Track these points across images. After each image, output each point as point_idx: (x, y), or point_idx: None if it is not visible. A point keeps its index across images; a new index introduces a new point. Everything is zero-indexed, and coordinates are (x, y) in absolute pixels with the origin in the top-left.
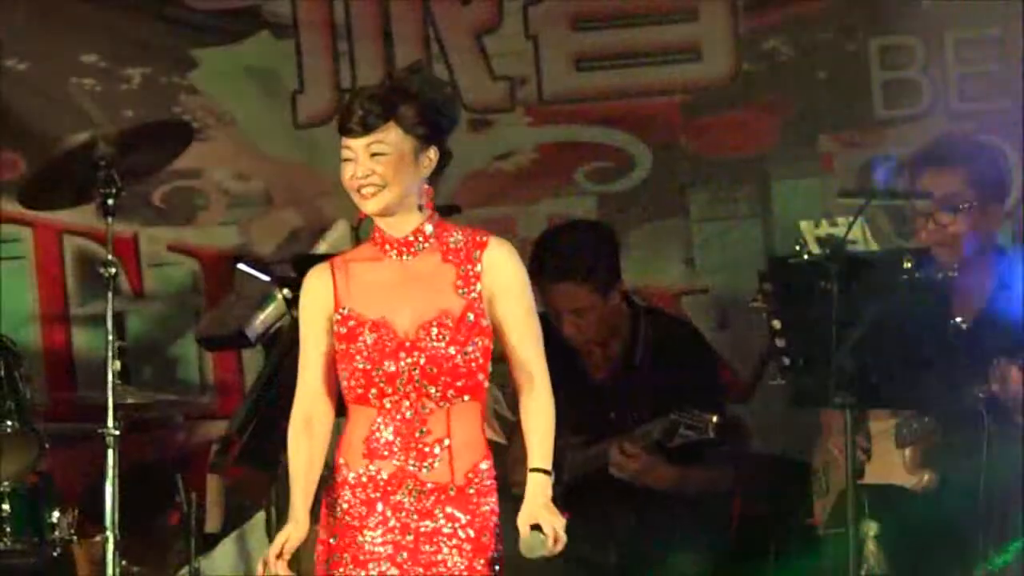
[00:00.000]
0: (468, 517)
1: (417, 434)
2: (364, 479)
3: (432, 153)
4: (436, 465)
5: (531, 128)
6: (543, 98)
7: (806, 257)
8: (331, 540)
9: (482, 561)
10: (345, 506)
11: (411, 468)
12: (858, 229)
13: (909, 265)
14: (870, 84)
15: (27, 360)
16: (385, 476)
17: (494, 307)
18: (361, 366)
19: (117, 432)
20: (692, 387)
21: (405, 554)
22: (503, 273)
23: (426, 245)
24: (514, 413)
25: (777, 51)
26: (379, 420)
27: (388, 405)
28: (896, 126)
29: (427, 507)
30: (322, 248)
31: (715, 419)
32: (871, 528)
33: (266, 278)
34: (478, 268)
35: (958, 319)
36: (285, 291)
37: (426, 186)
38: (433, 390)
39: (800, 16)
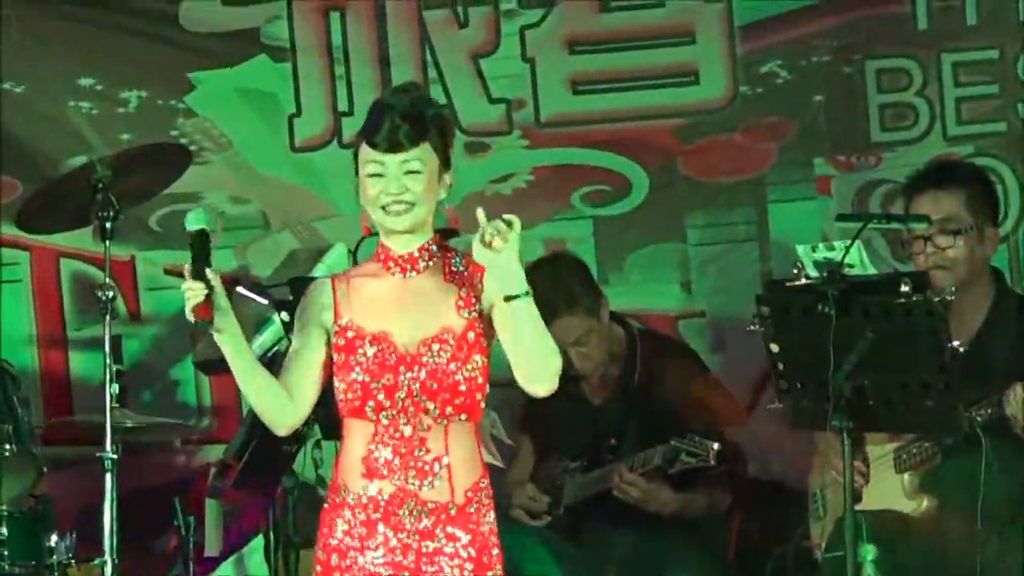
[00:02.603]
0: (469, 536)
1: (417, 452)
2: (364, 499)
3: (448, 177)
4: (436, 484)
5: (528, 151)
6: (540, 121)
7: (803, 280)
8: (331, 561)
9: None
10: (345, 527)
11: (411, 487)
12: (855, 253)
13: (906, 288)
14: (867, 107)
15: (24, 383)
16: (386, 496)
17: (493, 310)
18: (360, 378)
19: (115, 456)
20: (690, 411)
21: (406, 574)
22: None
23: (430, 264)
24: (510, 437)
25: (774, 74)
26: (377, 438)
27: (385, 421)
28: (893, 149)
29: (428, 527)
30: (320, 271)
31: (716, 446)
32: (869, 552)
33: (264, 301)
34: (479, 289)
35: (956, 343)
36: (283, 314)
37: (451, 209)
38: (432, 406)
39: (797, 39)
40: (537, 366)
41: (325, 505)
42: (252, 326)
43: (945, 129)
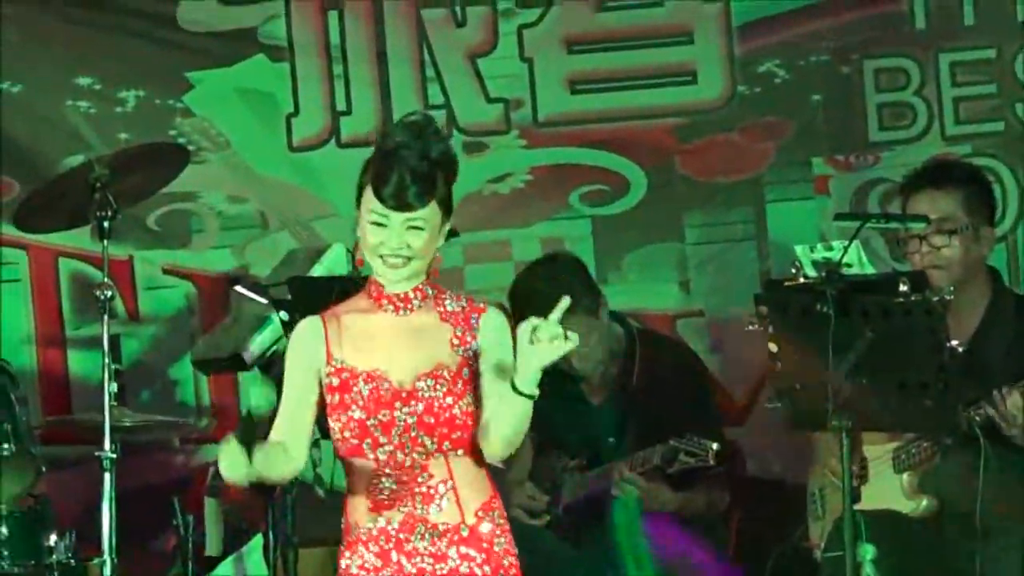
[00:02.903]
0: (483, 556)
1: (420, 479)
2: (375, 532)
3: (448, 223)
4: (444, 505)
5: (525, 151)
6: (538, 121)
7: (802, 280)
8: None
9: None
10: (360, 562)
11: (419, 512)
12: (854, 253)
13: (905, 288)
14: (865, 107)
15: (23, 382)
16: (396, 525)
17: (479, 360)
18: (357, 415)
19: (114, 455)
20: (688, 410)
21: None
22: (497, 332)
23: (424, 304)
24: None
25: (772, 74)
26: (378, 472)
27: (383, 457)
28: (891, 148)
29: (442, 550)
30: (318, 271)
31: (715, 446)
32: (868, 552)
33: (263, 301)
34: (475, 329)
35: (954, 342)
36: (281, 314)
37: (437, 254)
38: (429, 441)
39: (795, 39)
40: (500, 447)
41: (340, 547)
42: (251, 326)
43: (943, 129)
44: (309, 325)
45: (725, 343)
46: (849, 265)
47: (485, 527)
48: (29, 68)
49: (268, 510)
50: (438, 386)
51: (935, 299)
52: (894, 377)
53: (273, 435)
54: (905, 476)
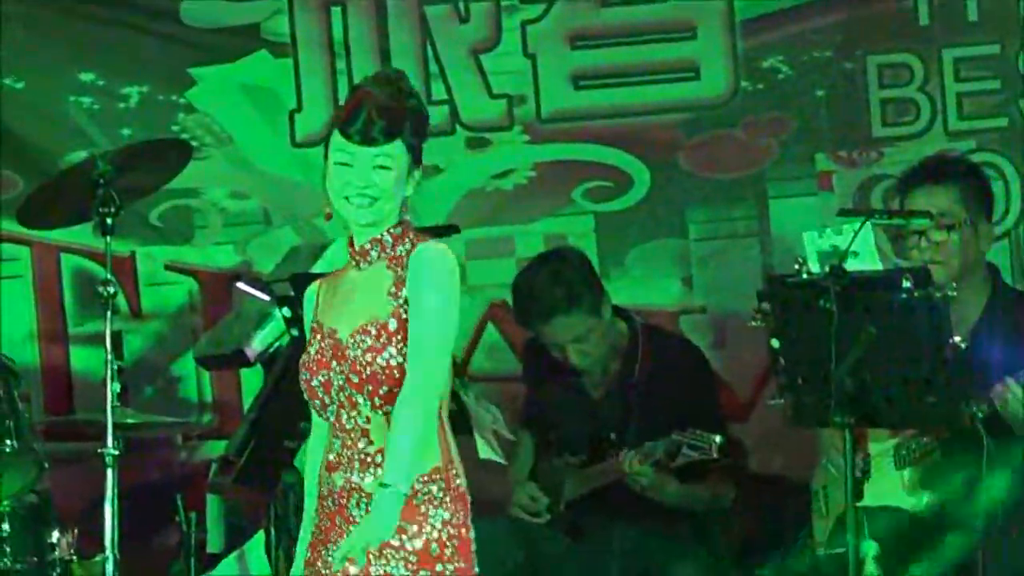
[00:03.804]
0: (415, 527)
1: (360, 444)
2: (325, 491)
3: (418, 174)
4: (379, 474)
5: (529, 147)
6: (541, 117)
7: (805, 276)
8: (307, 554)
9: (425, 574)
10: (318, 519)
11: (356, 480)
12: (863, 240)
13: (908, 284)
14: (868, 102)
15: (26, 379)
16: (337, 488)
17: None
18: (304, 376)
19: (116, 452)
20: (691, 405)
21: (356, 569)
22: (418, 275)
23: (382, 255)
24: (511, 432)
25: (775, 69)
26: (333, 432)
27: (331, 417)
28: (894, 144)
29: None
30: (320, 266)
31: (718, 439)
32: (871, 549)
33: (265, 297)
34: (402, 275)
35: (956, 338)
36: (284, 310)
37: (406, 204)
38: (362, 400)
39: (798, 35)
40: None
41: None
42: (253, 322)
43: (946, 124)
44: (308, 291)
45: (728, 339)
46: (856, 253)
47: (421, 499)
48: (32, 64)
49: (270, 507)
50: (364, 340)
51: (938, 295)
52: (897, 373)
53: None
54: (906, 472)
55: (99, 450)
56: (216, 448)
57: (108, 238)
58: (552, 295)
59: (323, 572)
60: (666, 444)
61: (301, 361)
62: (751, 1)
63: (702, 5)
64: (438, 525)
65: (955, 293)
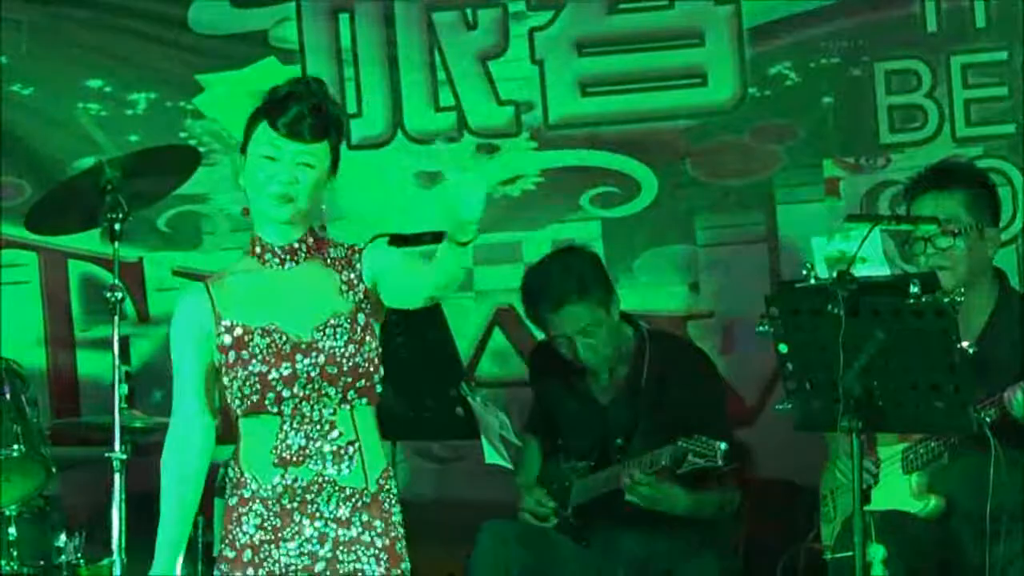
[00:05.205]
0: (383, 525)
1: (329, 436)
2: (280, 488)
3: (332, 181)
4: (352, 468)
5: (536, 153)
6: (548, 123)
7: (813, 282)
8: (243, 557)
9: (397, 572)
10: (257, 520)
11: (329, 473)
12: (871, 246)
13: (916, 289)
14: (876, 109)
15: (33, 384)
16: (303, 482)
17: (371, 297)
18: (257, 369)
19: (124, 456)
20: (699, 410)
21: (323, 564)
22: (379, 260)
23: (310, 255)
24: (518, 437)
25: (783, 76)
26: (284, 426)
27: (288, 410)
28: (902, 150)
29: (346, 515)
30: None
31: (723, 446)
32: (878, 553)
33: None
34: (359, 270)
35: (964, 343)
36: None
37: (323, 207)
38: (332, 391)
39: (806, 41)
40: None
41: (229, 503)
42: None
43: (954, 131)
44: (193, 292)
45: (735, 345)
46: (864, 260)
47: (384, 496)
48: (39, 70)
49: None
50: (338, 335)
51: (945, 300)
52: (905, 378)
53: (179, 417)
54: (914, 476)
55: (107, 454)
56: (222, 452)
57: (116, 244)
58: (563, 284)
59: (276, 572)
60: (672, 451)
61: (232, 358)
62: (759, 8)
63: (710, 12)
64: (397, 523)
65: (962, 298)
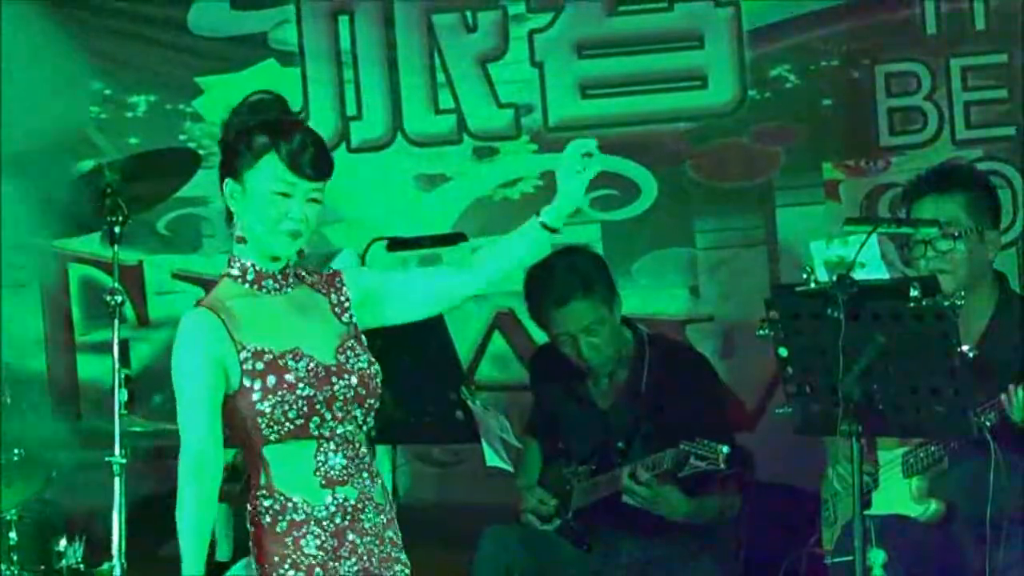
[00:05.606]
0: (400, 540)
1: (360, 454)
2: (332, 508)
3: None
4: (377, 485)
5: (536, 155)
6: (548, 125)
7: (813, 285)
8: (298, 575)
9: None
10: (317, 541)
11: (367, 490)
12: (868, 251)
13: (916, 293)
14: (875, 111)
15: (33, 387)
16: (352, 501)
17: (370, 292)
18: (306, 392)
19: (124, 460)
20: (698, 414)
21: None
22: (356, 268)
23: (293, 280)
24: (519, 441)
25: (783, 78)
26: (323, 449)
27: (327, 433)
28: (902, 153)
29: (380, 531)
30: None
31: (726, 449)
32: (879, 557)
33: None
34: (345, 293)
35: (964, 347)
36: None
37: None
38: (359, 412)
39: (805, 43)
40: (481, 280)
41: (276, 531)
42: None
43: (954, 133)
44: (203, 317)
45: (735, 348)
46: (863, 265)
47: (393, 512)
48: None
49: None
50: (359, 356)
51: (945, 303)
52: (905, 382)
53: (196, 444)
54: (914, 480)
55: (107, 458)
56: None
57: (116, 247)
58: (568, 281)
59: None
60: (673, 454)
61: (272, 383)
62: (758, 10)
63: (709, 14)
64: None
65: (963, 302)
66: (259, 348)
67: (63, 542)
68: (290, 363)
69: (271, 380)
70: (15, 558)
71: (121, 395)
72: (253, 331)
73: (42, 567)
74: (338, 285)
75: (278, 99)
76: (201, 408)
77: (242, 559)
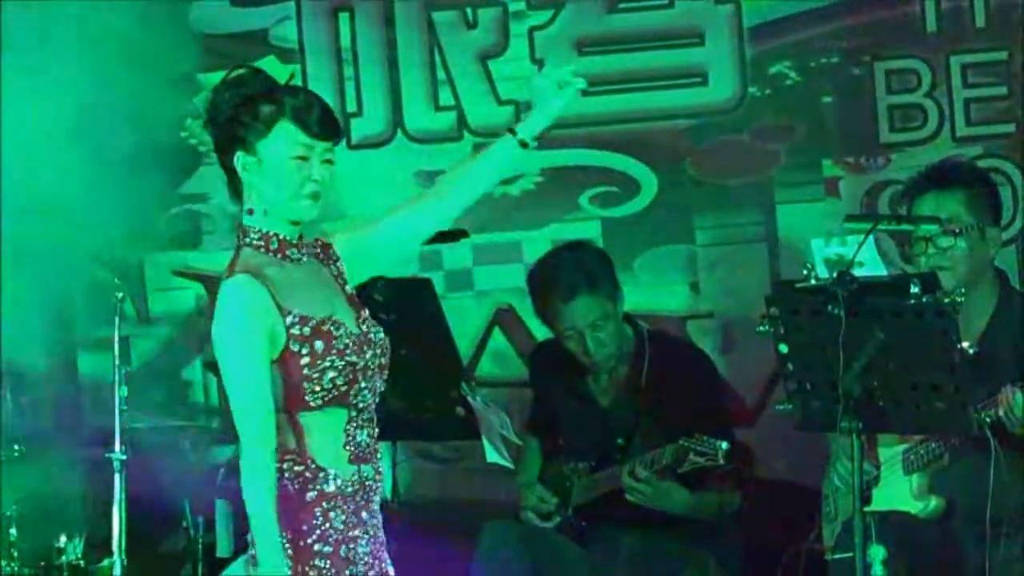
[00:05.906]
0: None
1: (375, 432)
2: (356, 484)
3: None
4: (382, 467)
5: (536, 152)
6: None
7: (813, 282)
8: (339, 553)
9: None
10: (343, 516)
11: (378, 471)
12: (867, 250)
13: (916, 290)
14: (876, 108)
15: (34, 384)
16: (370, 481)
17: (356, 253)
18: (353, 359)
19: (124, 456)
20: (698, 411)
21: (378, 563)
22: (350, 240)
23: (307, 249)
24: (518, 437)
25: (783, 75)
26: (353, 422)
27: (360, 403)
28: (902, 150)
29: (379, 514)
30: None
31: (725, 446)
32: (879, 554)
33: None
34: (341, 265)
35: (964, 344)
36: None
37: None
38: (379, 383)
39: (806, 40)
40: (449, 208)
41: (306, 499)
42: None
43: (954, 130)
44: (245, 284)
45: (735, 345)
46: (861, 264)
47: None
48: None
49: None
50: (374, 327)
51: (946, 300)
52: (905, 379)
53: (263, 412)
54: (914, 477)
55: (107, 455)
56: (224, 453)
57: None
58: (575, 275)
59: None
60: (673, 450)
61: (320, 348)
62: (759, 7)
63: (710, 11)
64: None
65: (963, 299)
66: (304, 316)
67: (63, 538)
68: (332, 330)
69: (318, 345)
70: (15, 554)
71: (121, 391)
72: (291, 298)
73: (42, 563)
74: (334, 257)
75: (257, 71)
76: (262, 383)
77: (240, 556)
